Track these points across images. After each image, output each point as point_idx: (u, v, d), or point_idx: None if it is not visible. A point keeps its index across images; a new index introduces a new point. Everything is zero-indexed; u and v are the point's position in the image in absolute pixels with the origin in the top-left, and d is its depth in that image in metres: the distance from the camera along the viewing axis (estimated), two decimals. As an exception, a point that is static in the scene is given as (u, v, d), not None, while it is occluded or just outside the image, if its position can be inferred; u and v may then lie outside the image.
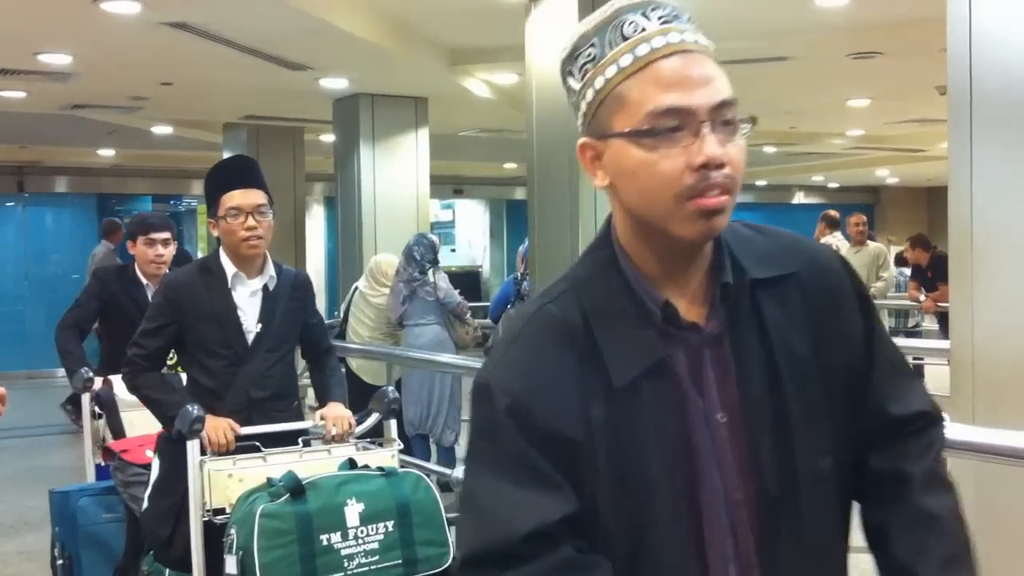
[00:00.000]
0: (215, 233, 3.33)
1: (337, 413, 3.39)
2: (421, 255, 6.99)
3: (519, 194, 18.53)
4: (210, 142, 12.68)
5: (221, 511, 3.03)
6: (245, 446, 3.15)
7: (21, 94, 9.41)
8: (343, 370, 7.45)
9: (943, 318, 9.45)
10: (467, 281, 17.61)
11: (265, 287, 3.38)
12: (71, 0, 6.28)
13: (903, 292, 11.45)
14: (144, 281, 4.80)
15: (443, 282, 6.99)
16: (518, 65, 7.57)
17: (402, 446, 3.39)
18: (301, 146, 12.19)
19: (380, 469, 3.13)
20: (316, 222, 18.01)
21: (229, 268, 3.33)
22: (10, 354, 14.80)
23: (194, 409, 3.07)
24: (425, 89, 9.65)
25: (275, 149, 11.93)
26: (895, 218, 22.60)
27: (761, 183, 21.69)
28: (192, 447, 3.05)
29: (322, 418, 3.37)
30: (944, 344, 5.10)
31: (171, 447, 3.26)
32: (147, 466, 3.60)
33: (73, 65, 8.13)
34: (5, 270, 15.39)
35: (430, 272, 6.96)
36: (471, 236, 20.24)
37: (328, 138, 11.64)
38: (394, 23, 7.64)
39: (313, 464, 3.14)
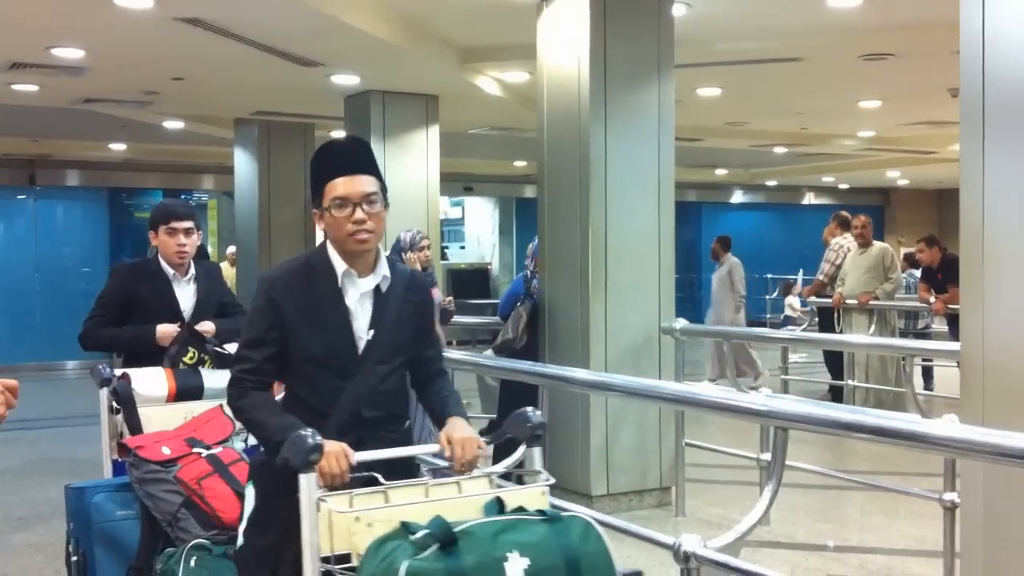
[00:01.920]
0: (320, 226, 2.94)
1: (464, 435, 2.84)
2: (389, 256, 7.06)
3: (528, 192, 18.53)
4: (221, 137, 12.72)
5: (344, 557, 2.50)
6: (360, 477, 2.63)
7: (34, 88, 9.44)
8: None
9: (953, 320, 9.43)
10: (476, 278, 17.66)
11: (377, 288, 2.94)
12: (85, -5, 6.32)
13: (913, 294, 11.43)
14: (170, 272, 4.60)
15: None
16: (529, 64, 7.58)
17: (553, 481, 2.72)
18: (312, 142, 12.20)
19: (541, 512, 2.53)
20: (326, 218, 18.03)
21: (339, 265, 2.90)
22: (21, 346, 14.87)
23: (310, 434, 2.54)
24: (436, 87, 9.66)
25: (286, 145, 11.97)
26: (905, 220, 22.55)
27: (771, 184, 21.66)
28: (308, 482, 2.52)
29: (447, 441, 2.82)
30: (954, 346, 5.10)
31: (267, 474, 2.85)
32: (163, 463, 3.52)
33: (86, 59, 8.16)
34: (16, 263, 15.44)
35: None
36: (480, 233, 20.25)
37: (339, 134, 11.66)
38: (406, 21, 7.65)
39: (450, 504, 2.55)
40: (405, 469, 2.87)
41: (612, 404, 6.37)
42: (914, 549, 5.75)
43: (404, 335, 2.98)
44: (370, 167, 2.93)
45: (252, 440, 4.34)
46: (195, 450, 3.61)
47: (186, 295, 4.63)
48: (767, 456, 5.89)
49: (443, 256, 10.97)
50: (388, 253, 6.96)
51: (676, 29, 6.74)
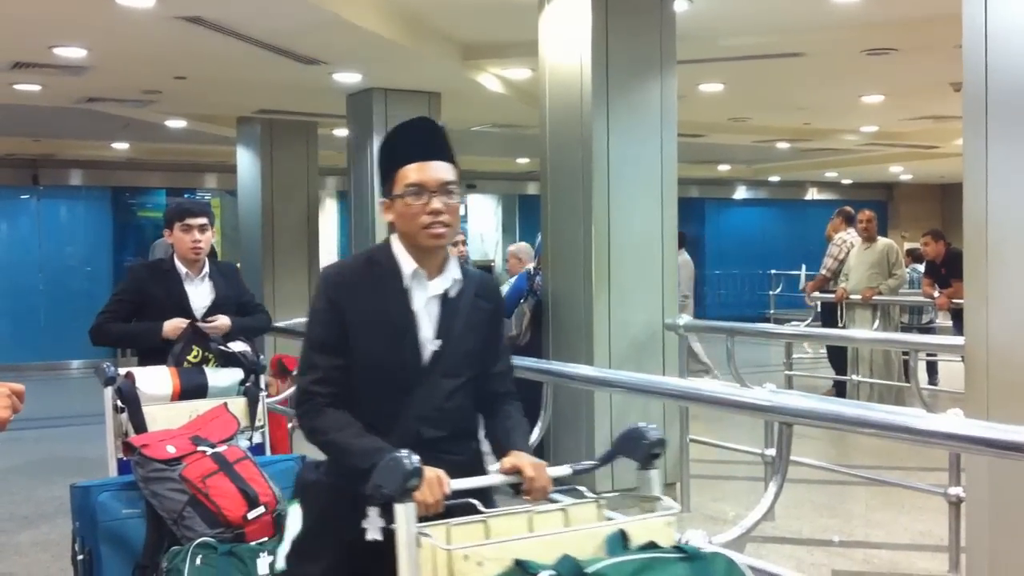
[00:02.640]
0: (388, 217, 2.62)
1: (534, 461, 2.50)
2: None
3: (532, 189, 18.54)
4: (224, 136, 12.73)
5: None
6: (455, 505, 2.32)
7: (36, 87, 9.45)
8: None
9: (957, 314, 9.42)
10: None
11: (446, 292, 2.60)
12: (87, -6, 6.32)
13: (917, 289, 11.42)
14: (183, 271, 4.63)
15: None
16: (531, 60, 7.57)
17: (679, 508, 2.35)
18: (314, 140, 12.21)
19: (679, 550, 2.15)
20: (329, 216, 18.04)
21: (406, 263, 2.58)
22: (25, 346, 14.89)
23: (406, 457, 2.20)
24: (438, 84, 9.65)
25: (288, 143, 11.97)
26: (908, 214, 22.53)
27: (775, 179, 21.64)
28: (406, 513, 2.17)
29: (512, 468, 2.48)
30: (958, 341, 5.09)
31: (318, 495, 2.61)
32: (168, 461, 3.53)
33: (88, 59, 8.16)
34: (20, 263, 15.45)
35: None
36: (484, 231, 20.25)
37: (341, 132, 11.66)
38: (407, 18, 7.65)
39: (565, 538, 2.18)
40: (482, 492, 2.46)
41: (616, 400, 6.37)
42: (919, 544, 5.75)
43: (473, 346, 2.64)
44: (448, 153, 2.66)
45: (257, 438, 4.36)
46: (200, 448, 3.62)
47: (200, 294, 4.65)
48: (772, 452, 5.89)
49: (446, 253, 10.98)
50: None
51: (678, 25, 6.73)
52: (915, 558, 5.51)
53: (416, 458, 2.20)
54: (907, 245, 15.90)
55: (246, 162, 12.25)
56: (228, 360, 4.42)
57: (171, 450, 3.58)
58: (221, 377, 4.32)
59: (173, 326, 4.45)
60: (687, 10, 7.05)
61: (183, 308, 4.57)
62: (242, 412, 4.22)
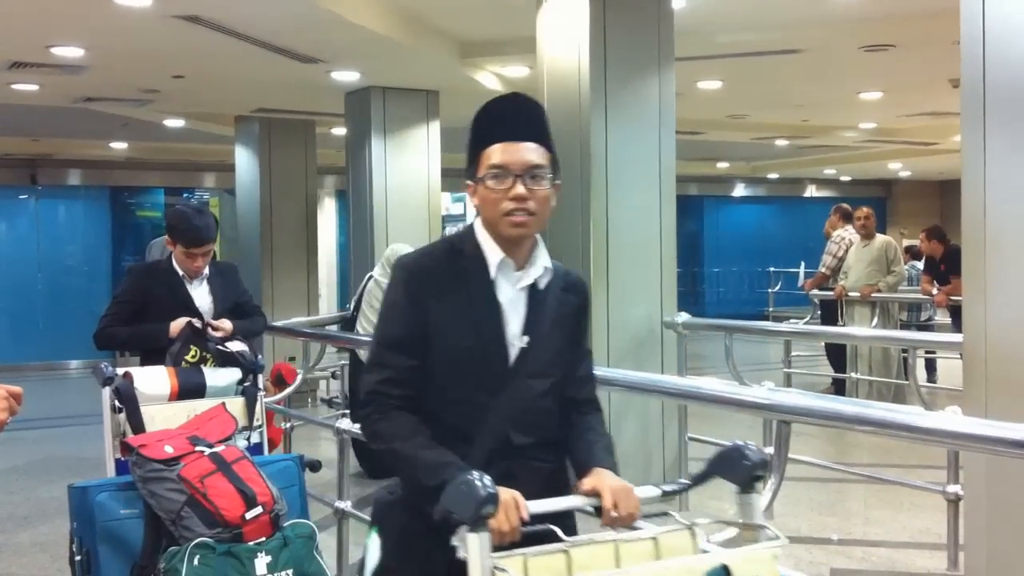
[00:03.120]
0: (473, 202, 2.39)
1: (618, 483, 2.23)
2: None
3: (530, 187, 18.51)
4: (222, 135, 12.72)
5: None
6: (531, 530, 2.05)
7: (34, 87, 9.44)
8: (352, 359, 7.57)
9: (956, 312, 9.42)
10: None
11: (534, 285, 2.38)
12: (84, -7, 6.31)
13: (916, 286, 11.42)
14: (182, 273, 4.68)
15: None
16: (529, 58, 7.57)
17: (785, 540, 2.05)
18: (313, 139, 12.21)
19: None
20: (328, 215, 18.04)
21: (492, 252, 2.35)
22: (24, 346, 14.89)
23: (479, 479, 1.95)
24: (436, 82, 9.65)
25: (287, 142, 11.96)
26: (907, 211, 22.53)
27: (773, 176, 21.64)
28: (480, 544, 1.93)
29: (594, 490, 2.20)
30: (957, 338, 5.09)
31: (399, 520, 2.37)
32: (166, 461, 3.51)
33: (85, 58, 8.15)
34: (18, 263, 15.45)
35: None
36: (482, 229, 20.26)
37: (340, 131, 11.65)
38: (405, 16, 7.65)
39: (660, 572, 1.99)
40: (562, 515, 2.20)
41: (614, 398, 6.36)
42: (918, 542, 5.75)
43: (560, 344, 2.42)
44: (539, 134, 2.40)
45: (255, 438, 4.34)
46: (198, 448, 3.61)
47: (200, 294, 4.68)
48: (770, 450, 5.88)
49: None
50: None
51: (676, 22, 6.73)
52: (914, 556, 5.51)
53: (489, 480, 1.95)
54: (906, 242, 15.90)
55: (244, 161, 12.24)
56: (226, 360, 4.42)
57: (169, 450, 3.57)
58: (219, 377, 4.32)
59: (179, 324, 4.47)
60: (685, 7, 7.05)
61: (188, 308, 4.59)
62: (240, 412, 4.22)
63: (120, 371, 4.13)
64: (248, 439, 4.21)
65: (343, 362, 8.35)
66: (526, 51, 7.46)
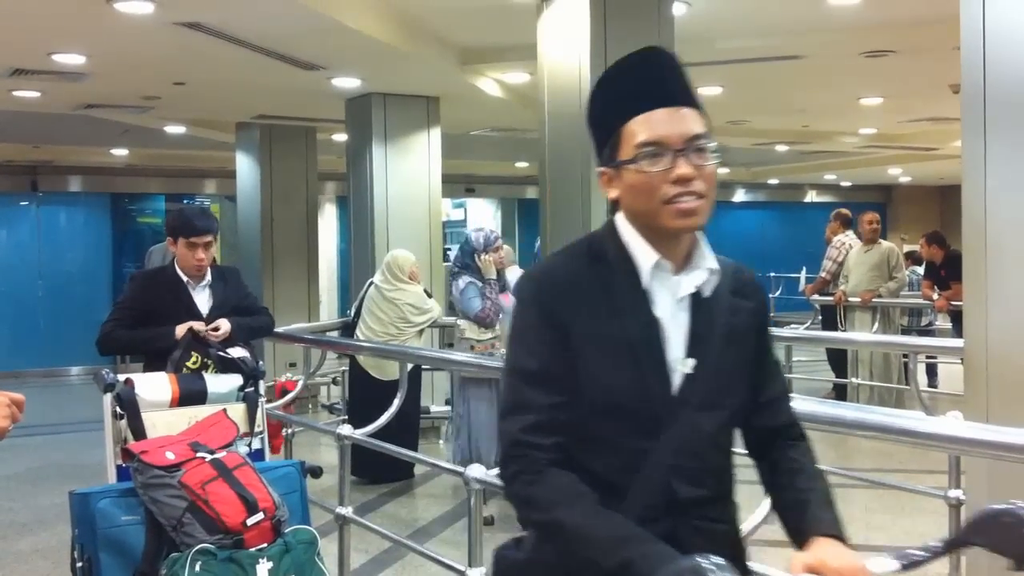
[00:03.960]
0: (610, 193, 1.86)
1: (846, 560, 1.72)
2: (456, 258, 6.89)
3: (531, 193, 18.54)
4: (223, 141, 12.73)
5: None
6: None
7: (35, 94, 9.45)
8: (352, 365, 7.56)
9: (956, 317, 9.42)
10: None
11: (698, 292, 1.84)
12: (85, 0, 6.31)
13: (916, 291, 11.42)
14: (185, 279, 4.64)
15: (455, 288, 6.72)
16: (530, 64, 7.58)
17: None
18: (314, 145, 12.22)
19: None
20: (329, 221, 18.05)
21: (643, 254, 1.83)
22: (25, 352, 14.89)
23: (717, 566, 1.54)
24: (437, 88, 9.66)
25: (288, 148, 11.98)
26: (907, 217, 22.53)
27: (773, 182, 21.65)
28: None
29: (813, 569, 1.68)
30: (958, 343, 5.09)
31: None
32: (167, 468, 3.50)
33: (87, 65, 8.16)
34: (19, 269, 15.46)
35: (457, 277, 6.77)
36: (483, 235, 20.25)
37: (340, 137, 11.66)
38: (406, 23, 7.66)
39: None
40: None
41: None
42: (919, 546, 5.73)
43: (736, 364, 1.88)
44: (692, 96, 1.88)
45: (256, 444, 4.32)
46: (199, 454, 3.61)
47: (203, 299, 4.67)
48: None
49: (445, 258, 10.94)
50: (456, 256, 6.78)
51: (676, 28, 6.73)
52: (916, 561, 5.49)
53: (722, 562, 1.55)
54: (906, 247, 15.90)
55: (245, 167, 12.25)
56: (227, 366, 4.41)
57: (170, 456, 3.56)
58: (220, 383, 4.31)
59: (186, 328, 4.46)
60: (685, 13, 7.06)
61: (192, 313, 4.57)
62: (241, 418, 4.21)
63: (121, 377, 4.12)
64: (249, 445, 4.21)
65: (343, 368, 8.35)
66: (527, 57, 7.47)
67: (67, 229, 16.11)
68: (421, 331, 7.58)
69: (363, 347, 6.98)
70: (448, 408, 8.69)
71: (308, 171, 12.16)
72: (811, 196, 23.16)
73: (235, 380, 4.35)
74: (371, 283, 7.56)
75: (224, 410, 4.10)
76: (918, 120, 12.85)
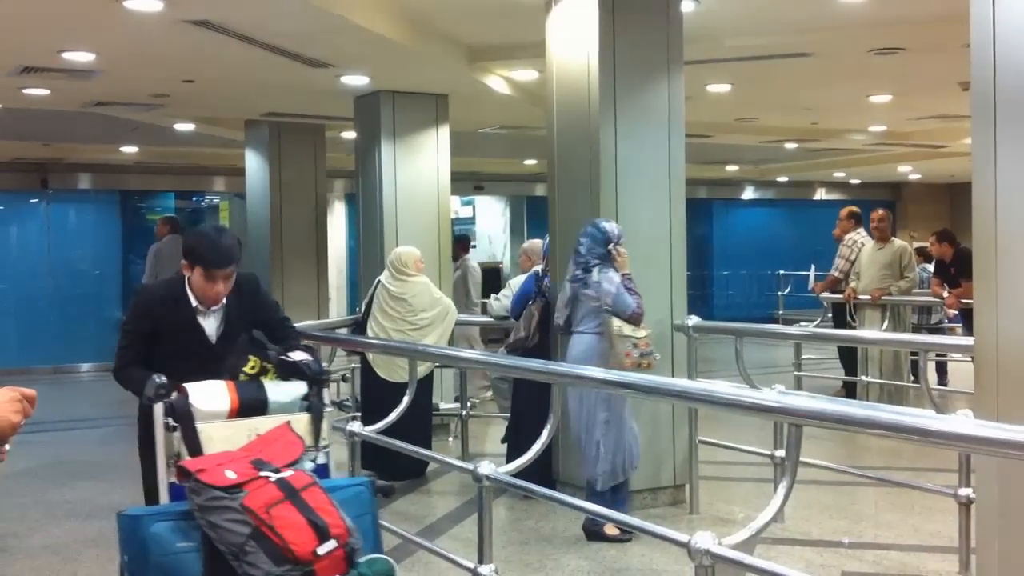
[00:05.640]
0: None
1: None
2: (588, 248, 5.97)
3: (539, 190, 18.53)
4: (232, 139, 12.75)
5: None
6: None
7: (45, 92, 9.47)
8: (363, 364, 7.58)
9: (967, 315, 9.40)
10: (488, 277, 17.70)
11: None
12: (95, -2, 6.33)
13: (926, 289, 11.39)
14: (195, 303, 4.11)
15: (607, 282, 5.84)
16: (538, 62, 7.58)
17: None
18: (322, 143, 12.23)
19: None
20: (337, 219, 18.06)
21: None
22: (34, 349, 14.94)
23: None
24: (445, 86, 9.66)
25: (296, 146, 11.99)
26: (917, 214, 22.47)
27: (783, 179, 21.61)
28: None
29: None
30: (968, 341, 5.08)
31: None
32: (228, 488, 3.18)
33: (96, 63, 8.18)
34: (29, 266, 15.50)
35: (595, 270, 5.91)
36: (492, 232, 20.26)
37: (349, 135, 11.67)
38: (414, 20, 7.66)
39: None
40: None
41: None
42: (929, 545, 5.74)
43: None
44: None
45: (321, 459, 3.84)
46: (263, 473, 3.31)
47: (212, 324, 4.16)
48: (781, 453, 5.88)
49: (455, 256, 10.93)
50: (576, 248, 5.91)
51: (685, 25, 6.73)
52: (925, 559, 5.50)
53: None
54: (916, 245, 15.87)
55: (254, 165, 12.27)
56: (289, 371, 3.97)
57: (231, 475, 3.24)
58: (282, 391, 3.88)
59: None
60: (693, 11, 7.05)
61: (200, 340, 4.12)
62: (305, 430, 3.81)
63: (159, 378, 3.75)
64: (314, 460, 3.79)
65: (354, 365, 8.36)
66: (535, 55, 7.46)
67: (76, 226, 16.15)
68: (440, 332, 7.45)
69: (372, 344, 6.99)
70: (456, 405, 8.70)
71: (317, 168, 12.17)
72: (820, 194, 23.11)
73: (299, 388, 3.91)
74: (378, 282, 7.56)
75: (288, 422, 3.74)
76: (928, 117, 12.81)
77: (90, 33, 7.34)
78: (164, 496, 3.60)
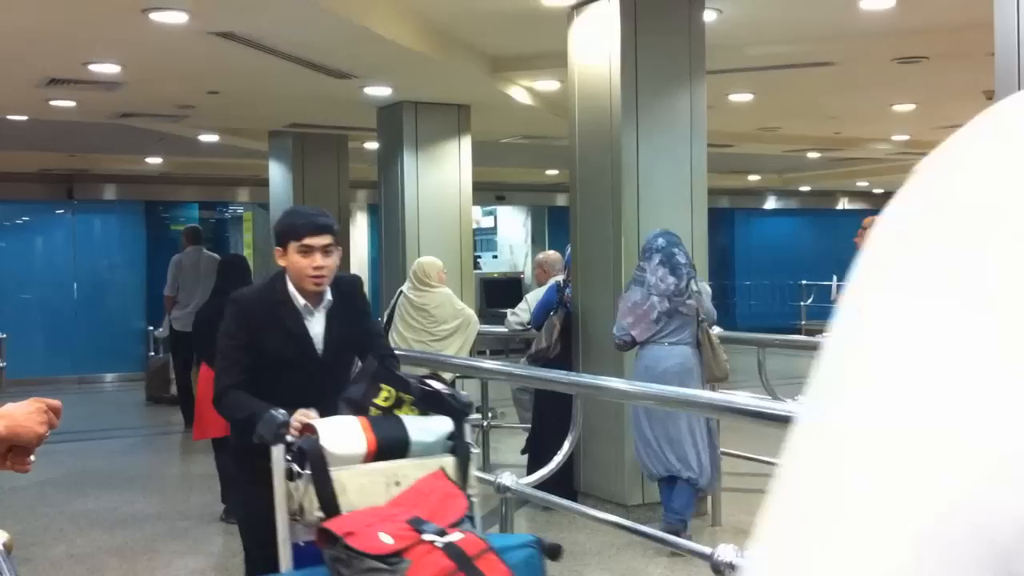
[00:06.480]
0: None
1: None
2: (687, 257, 5.86)
3: (561, 200, 18.53)
4: (256, 150, 12.82)
5: None
6: None
7: (71, 103, 9.57)
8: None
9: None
10: (509, 287, 17.69)
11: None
12: (121, 11, 6.38)
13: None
14: (301, 302, 3.49)
15: (703, 295, 5.84)
16: (560, 72, 7.59)
17: None
18: (345, 153, 12.28)
19: None
20: (360, 229, 18.13)
21: None
22: (60, 359, 15.04)
23: None
24: (467, 96, 9.69)
25: (319, 157, 12.04)
26: (942, 224, 22.32)
27: (805, 189, 21.54)
28: None
29: None
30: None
31: None
32: (386, 557, 2.57)
33: (122, 74, 8.25)
34: (55, 276, 15.62)
35: (692, 280, 5.82)
36: (513, 242, 20.28)
37: (372, 145, 11.71)
38: (437, 31, 7.69)
39: None
40: None
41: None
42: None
43: None
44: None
45: (477, 512, 3.23)
46: (426, 537, 2.70)
47: (318, 329, 3.54)
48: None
49: (476, 265, 10.95)
50: (673, 260, 5.67)
51: (707, 35, 6.72)
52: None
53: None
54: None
55: (278, 175, 12.34)
56: (433, 404, 3.29)
57: (387, 540, 2.64)
58: (425, 429, 3.21)
59: (302, 417, 3.15)
60: (715, 20, 7.04)
61: (308, 353, 3.49)
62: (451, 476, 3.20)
63: (281, 414, 3.05)
64: (471, 519, 3.19)
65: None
66: (557, 65, 7.48)
67: (102, 236, 16.27)
68: (462, 343, 7.45)
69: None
70: (477, 416, 8.70)
71: (340, 179, 12.22)
72: (843, 203, 23.01)
73: (443, 425, 3.24)
74: (400, 292, 7.58)
75: (442, 469, 3.10)
76: (951, 126, 12.46)
77: (116, 45, 7.40)
78: (286, 561, 2.97)
